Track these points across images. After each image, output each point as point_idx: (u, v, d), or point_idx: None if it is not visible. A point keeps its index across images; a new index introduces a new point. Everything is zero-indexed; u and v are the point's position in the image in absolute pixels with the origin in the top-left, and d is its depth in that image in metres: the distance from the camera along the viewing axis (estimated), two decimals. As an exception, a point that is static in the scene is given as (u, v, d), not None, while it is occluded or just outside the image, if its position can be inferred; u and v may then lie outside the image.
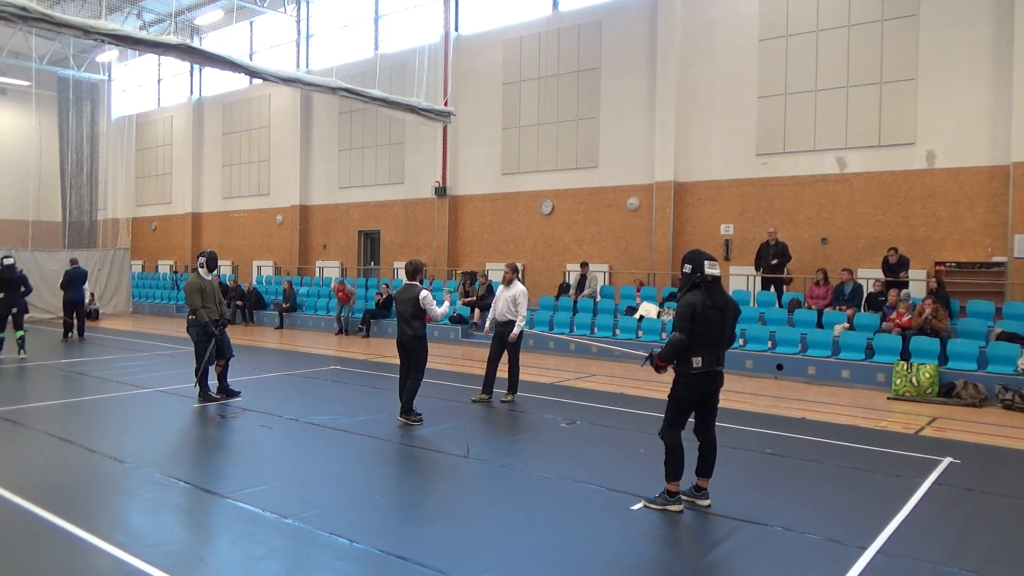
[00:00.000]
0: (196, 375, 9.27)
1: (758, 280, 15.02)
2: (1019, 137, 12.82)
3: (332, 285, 20.42)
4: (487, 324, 9.87)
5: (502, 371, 9.69)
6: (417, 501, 5.88)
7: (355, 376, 12.09)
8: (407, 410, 8.30)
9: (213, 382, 9.49)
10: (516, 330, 9.45)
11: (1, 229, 31.00)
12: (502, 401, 9.62)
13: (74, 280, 16.71)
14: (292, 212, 25.38)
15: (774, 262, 14.31)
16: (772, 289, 14.61)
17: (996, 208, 13.22)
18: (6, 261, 13.65)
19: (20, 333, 13.55)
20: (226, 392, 9.52)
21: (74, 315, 16.71)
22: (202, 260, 9.36)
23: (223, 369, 9.53)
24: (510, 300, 9.54)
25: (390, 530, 5.09)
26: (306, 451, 7.21)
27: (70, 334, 16.62)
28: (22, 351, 13.38)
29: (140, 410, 9.04)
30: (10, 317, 13.57)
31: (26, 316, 14.24)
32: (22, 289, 13.88)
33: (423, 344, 8.35)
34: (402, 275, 20.89)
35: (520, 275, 10.22)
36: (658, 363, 5.48)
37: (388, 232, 22.94)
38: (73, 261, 17.46)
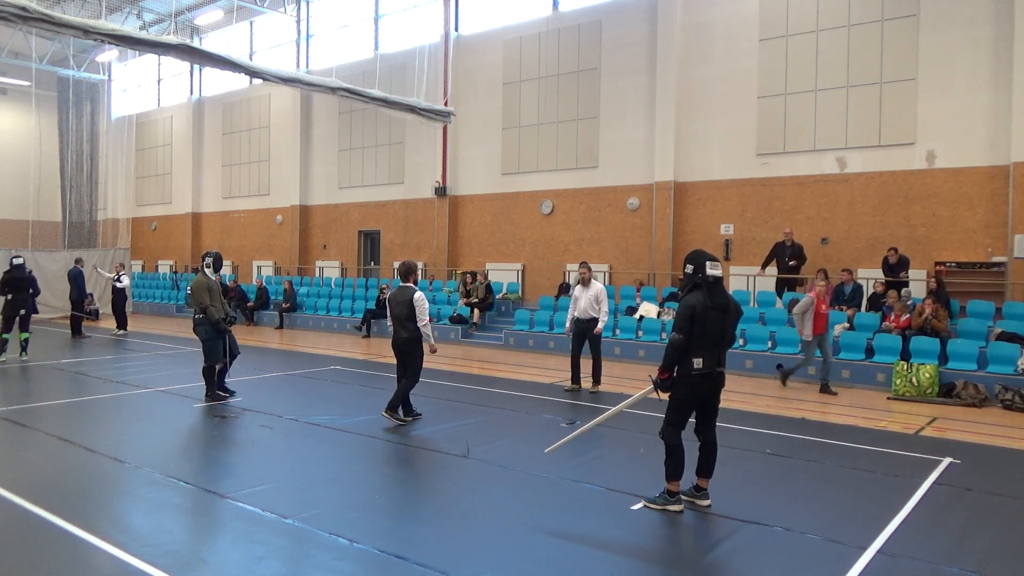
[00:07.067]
0: (204, 374, 9.32)
1: (759, 280, 15.02)
2: (1019, 137, 12.82)
3: None
4: (567, 324, 10.66)
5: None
6: (417, 501, 5.88)
7: (355, 376, 12.08)
8: (392, 407, 8.27)
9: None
10: (600, 325, 10.38)
11: (1, 229, 30.98)
12: (591, 392, 10.41)
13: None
14: (292, 212, 25.37)
15: (791, 263, 14.27)
16: (786, 289, 14.51)
17: (996, 208, 13.22)
18: (16, 260, 13.30)
19: (25, 336, 13.30)
20: (223, 391, 9.56)
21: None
22: (208, 260, 9.36)
23: (224, 367, 9.57)
24: (592, 298, 10.39)
25: (390, 530, 5.09)
26: (306, 451, 7.21)
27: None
28: (24, 353, 13.24)
29: (140, 410, 9.04)
30: (17, 319, 13.21)
31: (33, 317, 13.80)
32: (31, 291, 13.44)
33: (417, 347, 8.35)
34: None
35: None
36: (660, 377, 5.41)
37: (388, 232, 22.93)
38: (78, 260, 17.18)
